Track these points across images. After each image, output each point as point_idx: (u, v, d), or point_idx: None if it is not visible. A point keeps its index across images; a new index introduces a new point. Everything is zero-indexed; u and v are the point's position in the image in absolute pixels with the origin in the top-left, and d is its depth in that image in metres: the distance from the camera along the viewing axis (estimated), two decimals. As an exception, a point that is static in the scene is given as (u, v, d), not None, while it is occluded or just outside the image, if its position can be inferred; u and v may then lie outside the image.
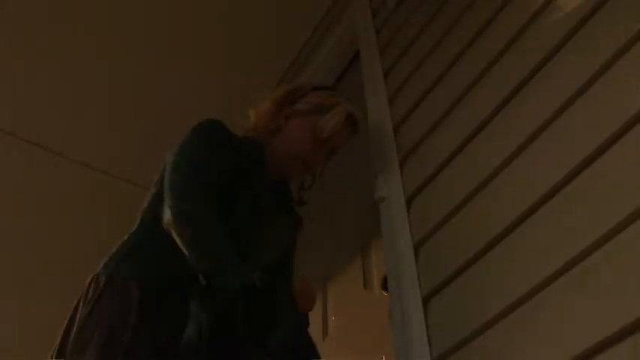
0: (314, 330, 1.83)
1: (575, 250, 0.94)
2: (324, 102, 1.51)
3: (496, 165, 1.19)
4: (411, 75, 1.68)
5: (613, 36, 1.05)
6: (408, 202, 1.42)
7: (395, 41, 1.87)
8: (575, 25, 1.16)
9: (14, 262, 3.35)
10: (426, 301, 1.22)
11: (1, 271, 3.36)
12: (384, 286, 1.45)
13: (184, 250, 1.17)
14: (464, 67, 1.47)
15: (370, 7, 2.15)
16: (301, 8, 2.58)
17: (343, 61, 2.38)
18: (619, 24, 1.06)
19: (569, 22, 1.17)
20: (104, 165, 3.14)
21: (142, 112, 2.91)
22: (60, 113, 2.90)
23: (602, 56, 1.05)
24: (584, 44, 1.13)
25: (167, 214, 1.20)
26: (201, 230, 1.18)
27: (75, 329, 1.17)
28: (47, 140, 2.99)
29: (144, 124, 2.94)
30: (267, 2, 2.54)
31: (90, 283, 1.25)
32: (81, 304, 1.22)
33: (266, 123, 1.53)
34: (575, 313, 0.90)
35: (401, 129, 1.61)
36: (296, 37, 2.68)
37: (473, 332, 1.07)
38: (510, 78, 1.26)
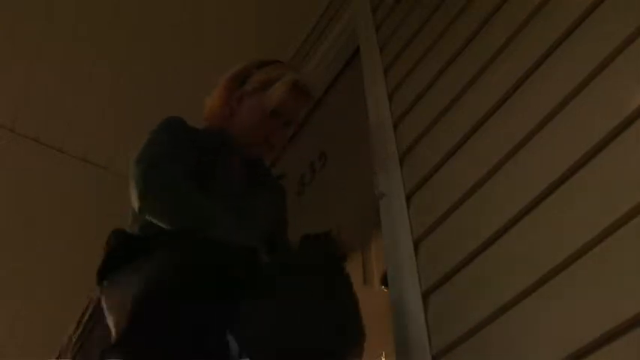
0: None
1: (575, 245, 0.94)
2: (269, 77, 1.51)
3: (496, 161, 1.19)
4: (410, 71, 1.68)
5: (611, 34, 1.05)
6: (408, 198, 1.42)
7: (395, 38, 1.87)
8: (574, 23, 1.16)
9: (13, 258, 3.35)
10: (425, 296, 1.22)
11: (0, 268, 3.36)
12: (384, 281, 1.45)
13: (168, 221, 1.18)
14: (464, 64, 1.47)
15: (370, 3, 2.14)
16: (301, 5, 2.58)
17: (343, 57, 2.38)
18: (616, 22, 1.06)
19: (567, 20, 1.17)
20: (103, 161, 3.14)
21: (141, 108, 2.91)
22: (60, 109, 2.90)
23: (602, 53, 1.05)
24: (585, 39, 1.13)
25: (136, 203, 1.22)
26: (182, 196, 1.22)
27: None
28: (47, 136, 2.99)
29: (144, 120, 2.92)
30: (267, -2, 2.55)
31: (100, 299, 1.24)
32: (90, 319, 1.20)
33: (220, 109, 1.55)
34: (575, 309, 0.90)
35: (401, 125, 1.61)
36: (296, 33, 2.68)
37: (473, 328, 1.07)
38: (510, 74, 1.26)
